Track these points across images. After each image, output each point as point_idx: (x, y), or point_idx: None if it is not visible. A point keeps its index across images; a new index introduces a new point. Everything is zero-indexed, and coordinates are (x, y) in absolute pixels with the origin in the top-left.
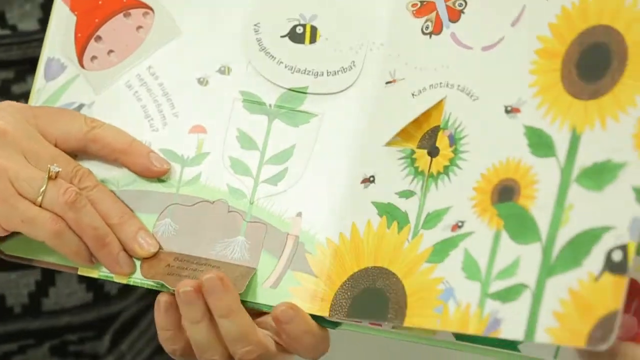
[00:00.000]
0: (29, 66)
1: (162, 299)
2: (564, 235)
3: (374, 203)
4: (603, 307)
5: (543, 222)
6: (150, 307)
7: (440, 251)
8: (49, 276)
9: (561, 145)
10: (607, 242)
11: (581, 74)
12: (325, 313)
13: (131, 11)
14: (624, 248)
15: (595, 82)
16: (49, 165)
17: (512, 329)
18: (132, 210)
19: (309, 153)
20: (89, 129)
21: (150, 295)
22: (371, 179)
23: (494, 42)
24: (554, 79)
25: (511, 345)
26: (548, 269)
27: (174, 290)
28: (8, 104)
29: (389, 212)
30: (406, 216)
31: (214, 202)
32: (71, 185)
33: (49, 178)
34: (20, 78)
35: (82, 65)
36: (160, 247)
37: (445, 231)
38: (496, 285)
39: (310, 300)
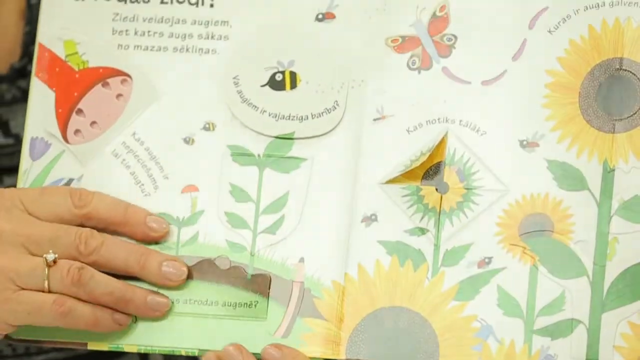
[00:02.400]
0: None
1: None
2: (614, 269)
3: (380, 242)
4: None
5: (586, 256)
6: None
7: (469, 288)
8: None
9: (593, 178)
10: None
11: (603, 107)
12: (341, 356)
13: (109, 80)
14: None
15: (623, 115)
16: (44, 256)
17: None
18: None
19: (303, 198)
20: (79, 210)
21: None
22: (372, 217)
23: (496, 76)
24: (572, 112)
25: None
26: (601, 303)
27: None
28: None
29: (400, 251)
30: (421, 254)
31: (214, 258)
32: (73, 262)
33: (48, 266)
34: None
35: (66, 140)
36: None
37: (470, 268)
38: (542, 321)
39: (324, 345)
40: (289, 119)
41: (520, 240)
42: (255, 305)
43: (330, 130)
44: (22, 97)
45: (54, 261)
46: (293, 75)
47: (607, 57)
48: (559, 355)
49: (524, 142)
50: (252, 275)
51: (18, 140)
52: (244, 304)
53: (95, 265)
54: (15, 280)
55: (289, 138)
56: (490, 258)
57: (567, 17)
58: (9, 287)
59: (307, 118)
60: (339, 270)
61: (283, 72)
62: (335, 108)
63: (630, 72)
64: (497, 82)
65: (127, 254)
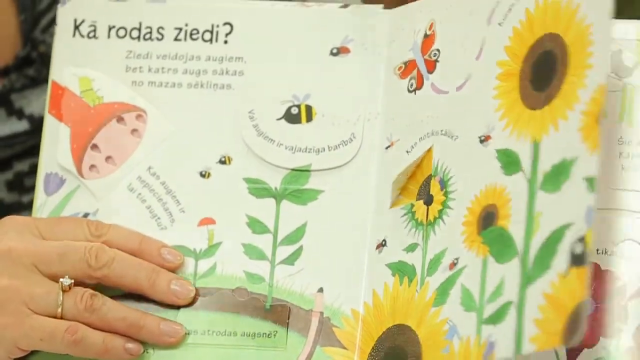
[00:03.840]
0: None
1: None
2: (536, 243)
3: (387, 265)
4: (571, 301)
5: (518, 236)
6: None
7: (443, 293)
8: None
9: (525, 159)
10: (569, 238)
11: (534, 85)
12: None
13: (124, 115)
14: (582, 239)
15: (546, 89)
16: (60, 280)
17: (503, 348)
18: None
19: (321, 229)
20: (95, 239)
21: None
22: (383, 242)
23: (465, 81)
24: (514, 98)
25: None
26: (527, 280)
27: None
28: (8, 219)
29: (400, 270)
30: (413, 269)
31: (233, 290)
32: (86, 289)
33: (63, 291)
34: (33, 172)
35: (81, 175)
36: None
37: (445, 272)
38: (489, 310)
39: None
40: (305, 151)
41: (477, 234)
42: (274, 335)
43: (347, 162)
44: (31, 84)
45: (70, 286)
46: (309, 108)
47: (539, 36)
48: (498, 340)
49: (482, 138)
50: (271, 306)
51: (32, 120)
52: (263, 334)
53: (105, 279)
54: (28, 304)
55: (305, 170)
56: (457, 259)
57: (511, 5)
58: (22, 310)
59: (324, 150)
60: (358, 299)
61: (299, 106)
62: (352, 140)
63: (553, 44)
64: (466, 85)
65: (138, 270)
